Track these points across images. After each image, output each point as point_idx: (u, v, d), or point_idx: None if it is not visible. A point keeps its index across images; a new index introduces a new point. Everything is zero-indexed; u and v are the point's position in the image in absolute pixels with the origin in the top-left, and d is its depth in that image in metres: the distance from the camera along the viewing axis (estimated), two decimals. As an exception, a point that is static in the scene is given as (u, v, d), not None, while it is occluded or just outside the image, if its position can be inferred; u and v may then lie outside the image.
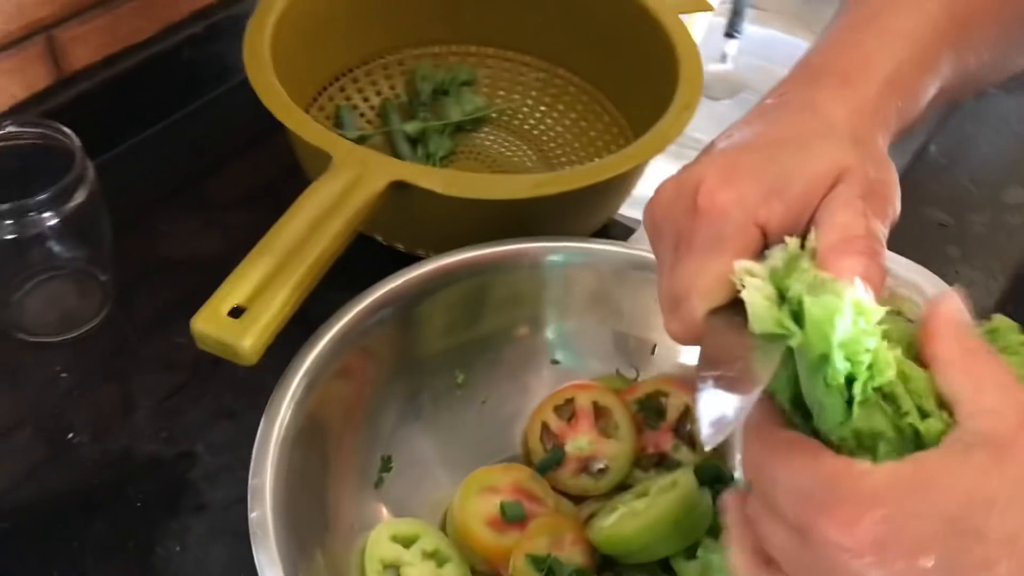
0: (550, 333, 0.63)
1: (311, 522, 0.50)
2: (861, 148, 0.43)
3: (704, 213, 0.41)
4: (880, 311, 0.35)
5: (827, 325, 0.34)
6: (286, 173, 0.82)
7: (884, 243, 0.40)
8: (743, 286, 0.38)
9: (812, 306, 0.35)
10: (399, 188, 0.60)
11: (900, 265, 0.66)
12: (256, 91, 0.64)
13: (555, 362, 0.63)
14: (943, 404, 0.35)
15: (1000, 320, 0.41)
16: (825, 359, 0.34)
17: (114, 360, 0.67)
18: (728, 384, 0.36)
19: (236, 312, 0.52)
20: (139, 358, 0.67)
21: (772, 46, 1.04)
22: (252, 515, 0.47)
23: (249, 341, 0.50)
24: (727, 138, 0.46)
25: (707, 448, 0.45)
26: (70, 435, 0.62)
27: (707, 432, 0.35)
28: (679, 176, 0.44)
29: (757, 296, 0.38)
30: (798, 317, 0.36)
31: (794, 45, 1.04)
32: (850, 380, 0.35)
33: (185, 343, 0.67)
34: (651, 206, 0.44)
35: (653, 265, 0.60)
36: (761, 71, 1.00)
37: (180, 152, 0.82)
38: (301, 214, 0.56)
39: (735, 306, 0.39)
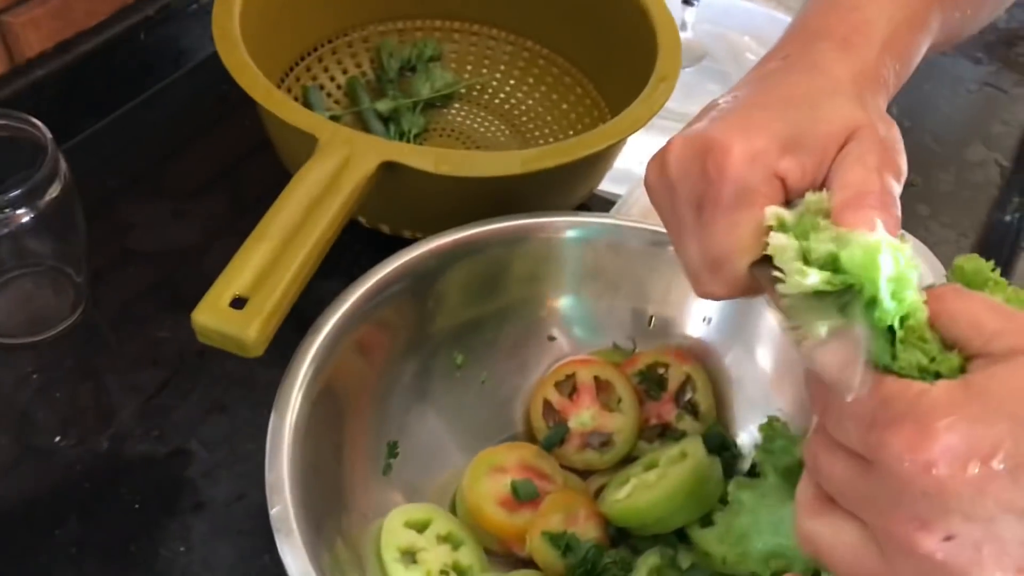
0: (545, 310, 0.62)
1: (329, 512, 0.49)
2: (868, 107, 0.43)
3: (726, 169, 0.41)
4: (909, 248, 0.36)
5: (872, 268, 0.35)
6: (249, 155, 0.80)
7: (897, 198, 0.41)
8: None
9: (853, 251, 0.35)
10: (386, 168, 0.59)
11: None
12: (233, 75, 0.62)
13: (551, 338, 0.63)
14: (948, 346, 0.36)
15: (966, 260, 0.42)
16: (873, 302, 0.35)
17: (95, 358, 0.65)
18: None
19: (237, 303, 0.50)
20: (120, 355, 0.65)
21: (726, 11, 1.04)
22: (273, 511, 0.45)
23: (254, 332, 0.49)
24: (732, 98, 0.45)
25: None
26: (56, 438, 0.60)
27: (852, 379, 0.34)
28: (689, 136, 0.43)
29: (788, 255, 0.38)
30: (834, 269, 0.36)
31: (750, 11, 1.04)
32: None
33: (167, 337, 0.66)
34: (661, 167, 0.44)
35: (647, 236, 0.61)
36: (720, 38, 1.00)
37: (140, 139, 0.79)
38: (294, 199, 0.54)
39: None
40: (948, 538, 0.31)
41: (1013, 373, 0.32)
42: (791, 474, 0.50)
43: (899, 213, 0.40)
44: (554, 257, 0.61)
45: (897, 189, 0.41)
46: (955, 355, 0.35)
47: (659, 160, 0.44)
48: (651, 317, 0.62)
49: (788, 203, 0.42)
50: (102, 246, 0.70)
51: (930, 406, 0.32)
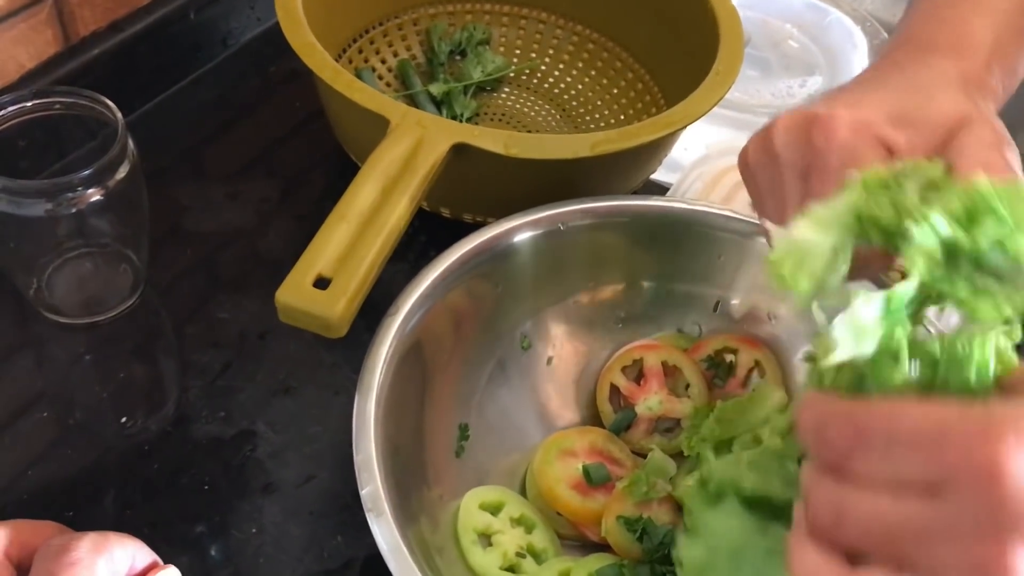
0: (611, 293, 0.62)
1: (412, 493, 0.49)
2: (980, 107, 0.43)
3: (833, 136, 0.41)
4: None
5: None
6: (294, 134, 0.80)
7: (1020, 170, 0.41)
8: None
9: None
10: (455, 151, 0.59)
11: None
12: (301, 55, 0.62)
13: (618, 322, 0.62)
14: None
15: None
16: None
17: (157, 340, 0.65)
18: None
19: (320, 284, 0.50)
20: (181, 337, 0.65)
21: (770, 0, 1.04)
22: (364, 491, 0.45)
23: (340, 311, 0.49)
24: (838, 91, 0.46)
25: None
26: (123, 419, 0.60)
27: None
28: (795, 112, 0.44)
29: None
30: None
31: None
32: None
33: (227, 318, 0.66)
34: (766, 137, 0.44)
35: (716, 222, 0.61)
36: (762, 24, 1.00)
37: (190, 119, 0.79)
38: (370, 181, 0.54)
39: None
40: None
41: None
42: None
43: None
44: (621, 241, 0.61)
45: (1018, 165, 0.41)
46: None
47: (762, 136, 0.44)
48: (717, 302, 0.62)
49: None
50: (156, 227, 0.69)
51: (1014, 415, 0.29)
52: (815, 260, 0.34)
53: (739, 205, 0.67)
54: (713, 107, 0.65)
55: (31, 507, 0.55)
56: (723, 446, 0.51)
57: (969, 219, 0.32)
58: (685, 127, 0.66)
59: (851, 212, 0.34)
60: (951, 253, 0.32)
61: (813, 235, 0.34)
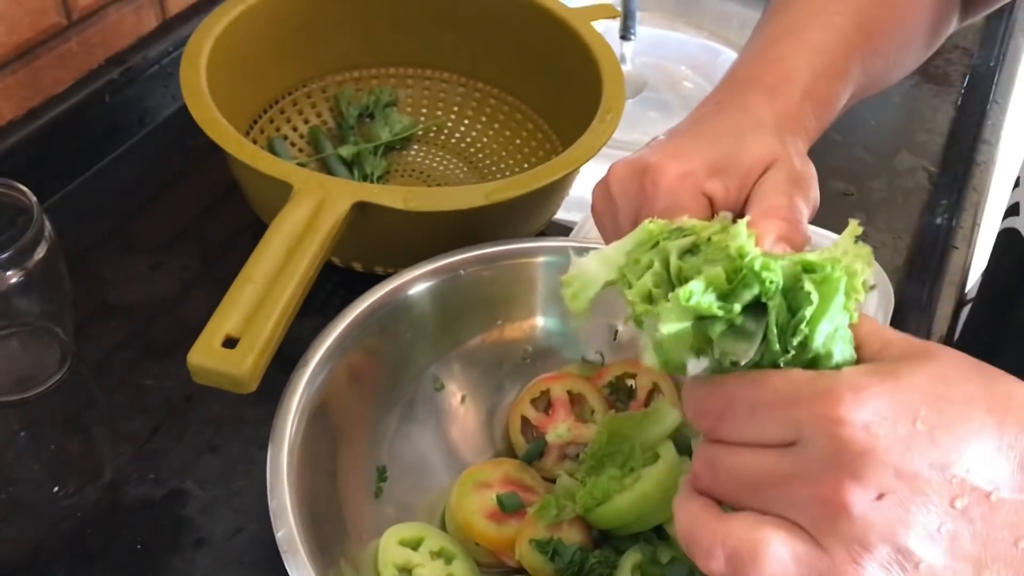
0: (516, 331, 0.66)
1: (329, 535, 0.52)
2: (788, 145, 0.48)
3: (660, 185, 0.46)
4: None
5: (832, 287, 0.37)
6: (215, 205, 0.84)
7: (805, 218, 0.46)
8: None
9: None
10: (358, 209, 0.63)
11: (822, 236, 0.73)
12: (205, 130, 0.66)
13: (524, 358, 0.66)
14: None
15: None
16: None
17: (85, 411, 0.67)
18: None
19: (229, 343, 0.53)
20: (110, 406, 0.67)
21: (662, 44, 1.10)
22: (279, 534, 0.48)
23: (248, 368, 0.52)
24: (668, 134, 0.51)
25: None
26: (55, 488, 0.62)
27: None
28: (630, 160, 0.49)
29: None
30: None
31: (684, 42, 1.10)
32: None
33: (153, 384, 0.69)
34: (605, 185, 0.49)
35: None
36: (658, 69, 1.06)
37: (111, 197, 0.82)
38: (275, 243, 0.58)
39: None
40: (880, 496, 0.33)
41: (913, 366, 0.35)
42: None
43: (807, 232, 0.45)
44: (520, 281, 0.65)
45: (805, 211, 0.46)
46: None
47: (603, 182, 0.49)
48: (616, 331, 0.66)
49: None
50: (83, 302, 0.72)
51: (854, 380, 0.35)
52: (590, 288, 0.41)
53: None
54: (599, 150, 0.70)
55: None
56: (603, 463, 0.56)
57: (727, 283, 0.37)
58: (576, 170, 0.71)
59: (623, 257, 0.40)
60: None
61: (595, 267, 0.41)
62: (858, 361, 0.38)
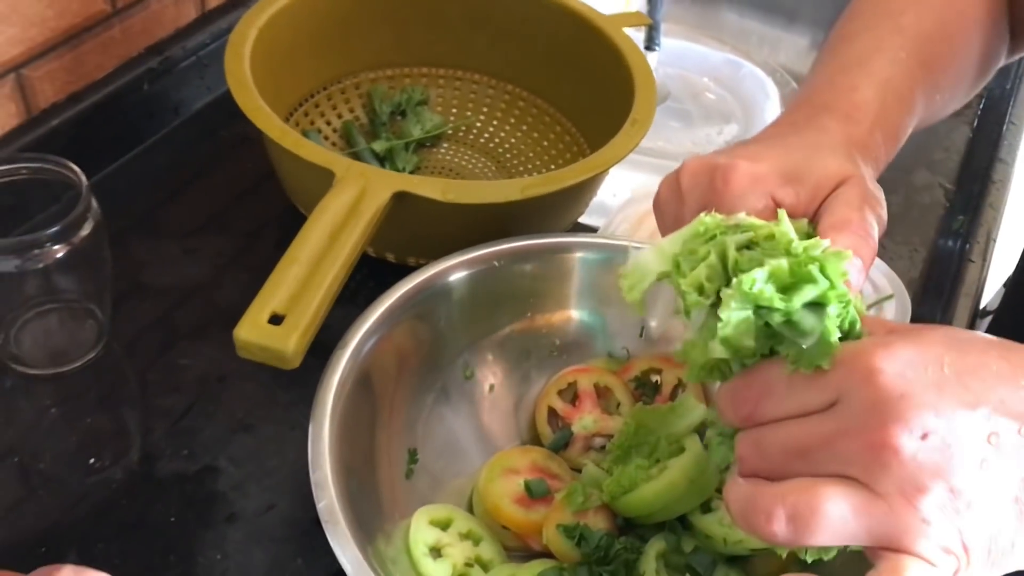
0: (546, 323, 0.68)
1: (366, 510, 0.54)
2: (861, 167, 0.50)
3: (731, 183, 0.48)
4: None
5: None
6: (246, 194, 0.85)
7: (875, 234, 0.48)
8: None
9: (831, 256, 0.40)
10: (397, 198, 0.64)
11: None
12: (250, 117, 0.67)
13: (552, 350, 0.68)
14: None
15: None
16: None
17: (121, 388, 0.69)
18: None
19: (274, 320, 0.55)
20: (144, 384, 0.69)
21: (685, 55, 1.12)
22: (320, 504, 0.50)
23: (293, 344, 0.53)
24: (742, 144, 0.53)
25: None
26: (91, 460, 0.63)
27: None
28: (703, 157, 0.51)
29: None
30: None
31: (706, 54, 1.12)
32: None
33: (187, 364, 0.70)
34: (675, 178, 0.51)
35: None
36: (681, 79, 1.08)
37: (146, 182, 0.84)
38: (319, 227, 0.59)
39: None
40: (924, 435, 0.35)
41: (929, 329, 0.39)
42: None
43: (876, 245, 0.47)
44: (552, 275, 0.67)
45: (875, 227, 0.48)
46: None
47: (674, 175, 0.51)
48: (642, 327, 0.68)
49: None
50: (118, 283, 0.74)
51: (880, 340, 0.38)
52: (645, 280, 0.42)
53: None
54: (630, 152, 0.72)
55: (7, 554, 0.58)
56: (630, 453, 0.57)
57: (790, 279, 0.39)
58: (606, 171, 0.72)
59: (679, 246, 0.42)
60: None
61: (650, 259, 0.42)
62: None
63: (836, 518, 0.36)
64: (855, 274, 0.44)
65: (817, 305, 0.39)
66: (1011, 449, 0.36)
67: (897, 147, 0.57)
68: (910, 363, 0.37)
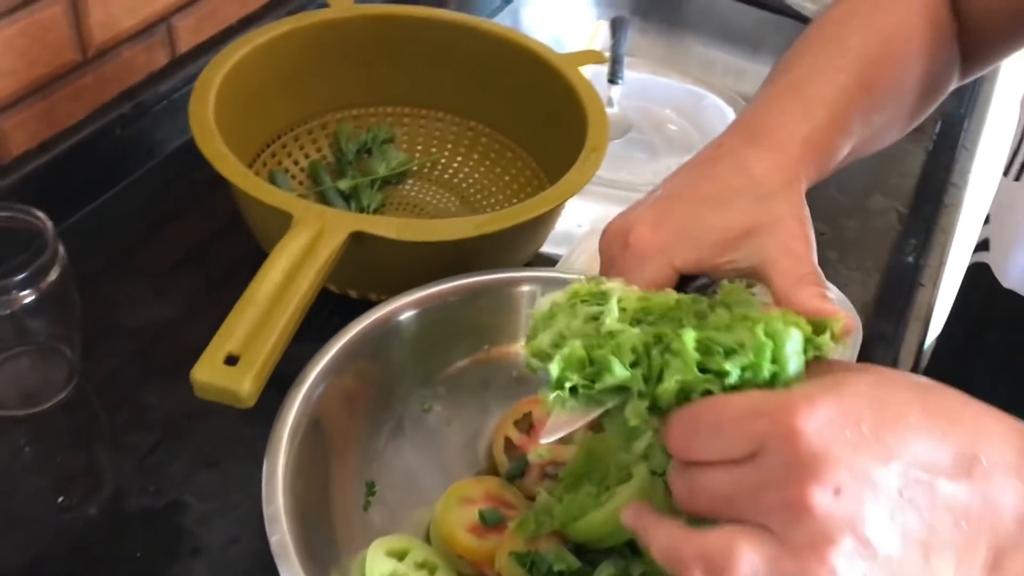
0: (502, 356, 0.70)
1: (320, 543, 0.56)
2: (781, 196, 0.53)
3: (632, 250, 0.52)
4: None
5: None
6: (218, 235, 0.87)
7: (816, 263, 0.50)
8: None
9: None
10: (354, 238, 0.67)
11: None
12: (212, 162, 0.70)
13: (509, 381, 0.70)
14: None
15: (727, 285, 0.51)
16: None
17: (89, 427, 0.71)
18: None
19: (230, 360, 0.57)
20: (113, 422, 0.71)
21: (648, 88, 1.15)
22: (273, 539, 0.51)
23: (248, 384, 0.55)
24: (667, 184, 0.56)
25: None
26: (59, 499, 0.65)
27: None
28: (623, 215, 0.55)
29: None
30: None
31: (669, 86, 1.15)
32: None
33: (155, 403, 0.72)
34: (600, 238, 0.56)
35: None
36: (644, 112, 1.11)
37: (119, 225, 0.86)
38: (276, 268, 0.62)
39: None
40: (837, 491, 0.37)
41: (855, 376, 0.40)
42: None
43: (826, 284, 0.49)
44: (506, 308, 0.69)
45: (814, 258, 0.51)
46: None
47: (602, 232, 0.56)
48: (595, 358, 0.70)
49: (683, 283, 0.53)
50: (89, 323, 0.76)
51: (805, 393, 0.39)
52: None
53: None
54: (583, 187, 0.74)
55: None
56: (581, 480, 0.59)
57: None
58: (561, 205, 0.75)
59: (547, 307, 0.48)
60: None
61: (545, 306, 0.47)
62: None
63: (748, 569, 0.38)
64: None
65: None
66: (921, 500, 0.38)
67: (831, 163, 0.59)
68: (829, 422, 0.38)
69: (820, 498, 0.37)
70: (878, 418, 0.38)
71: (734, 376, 0.42)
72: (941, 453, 0.38)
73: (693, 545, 0.40)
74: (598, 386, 0.42)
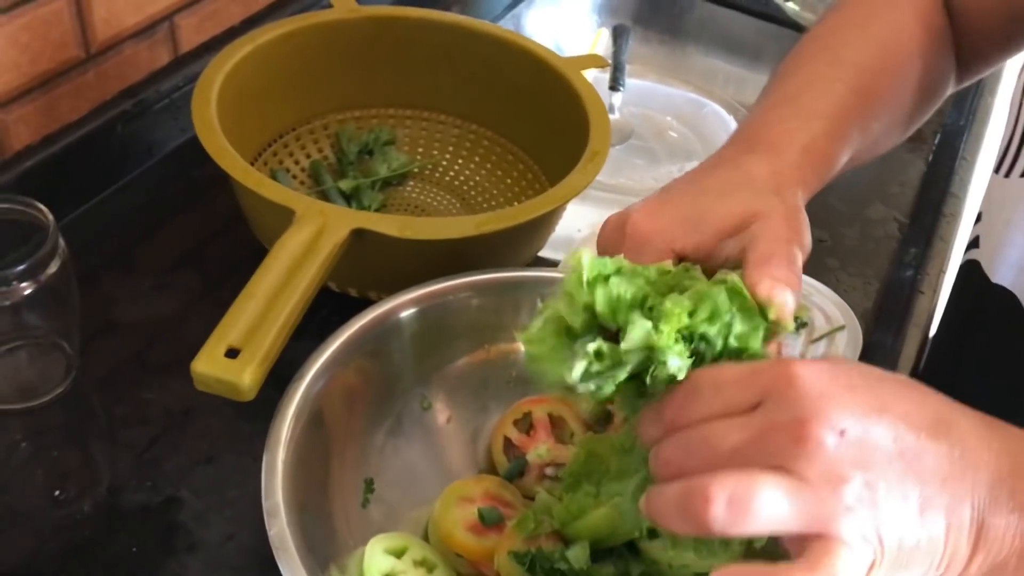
0: (501, 355, 0.69)
1: (318, 538, 0.55)
2: (779, 196, 0.53)
3: (631, 236, 0.52)
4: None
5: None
6: (218, 233, 0.87)
7: (799, 261, 0.51)
8: None
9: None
10: (355, 235, 0.67)
11: (804, 283, 0.77)
12: (215, 158, 0.70)
13: (509, 381, 0.70)
14: None
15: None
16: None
17: (87, 421, 0.70)
18: None
19: (231, 354, 0.57)
20: (111, 417, 0.70)
21: (650, 95, 1.15)
22: (271, 532, 0.51)
23: (248, 378, 0.55)
24: (667, 185, 0.56)
25: None
26: (56, 492, 0.65)
27: None
28: (622, 211, 0.55)
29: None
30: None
31: (670, 94, 1.15)
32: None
33: (153, 398, 0.72)
34: (599, 231, 0.55)
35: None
36: (645, 118, 1.11)
37: (119, 221, 0.86)
38: (277, 263, 0.61)
39: None
40: (842, 432, 0.39)
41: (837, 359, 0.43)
42: None
43: (800, 271, 0.50)
44: (506, 308, 0.69)
45: (799, 255, 0.51)
46: None
47: (604, 222, 0.55)
48: (595, 359, 0.70)
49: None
50: (88, 318, 0.76)
51: (794, 360, 0.42)
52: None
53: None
54: (584, 189, 0.74)
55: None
56: (580, 480, 0.59)
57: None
58: (562, 207, 0.75)
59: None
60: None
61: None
62: None
63: (772, 501, 0.39)
64: (790, 301, 0.47)
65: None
66: (912, 456, 0.40)
67: (830, 172, 0.59)
68: (825, 370, 0.41)
69: (827, 435, 0.39)
70: (867, 380, 0.41)
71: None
72: (922, 415, 0.41)
73: (711, 479, 0.40)
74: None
